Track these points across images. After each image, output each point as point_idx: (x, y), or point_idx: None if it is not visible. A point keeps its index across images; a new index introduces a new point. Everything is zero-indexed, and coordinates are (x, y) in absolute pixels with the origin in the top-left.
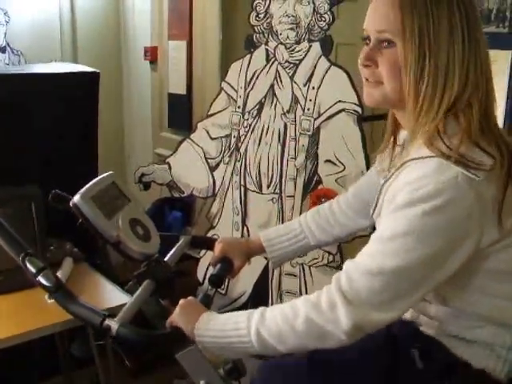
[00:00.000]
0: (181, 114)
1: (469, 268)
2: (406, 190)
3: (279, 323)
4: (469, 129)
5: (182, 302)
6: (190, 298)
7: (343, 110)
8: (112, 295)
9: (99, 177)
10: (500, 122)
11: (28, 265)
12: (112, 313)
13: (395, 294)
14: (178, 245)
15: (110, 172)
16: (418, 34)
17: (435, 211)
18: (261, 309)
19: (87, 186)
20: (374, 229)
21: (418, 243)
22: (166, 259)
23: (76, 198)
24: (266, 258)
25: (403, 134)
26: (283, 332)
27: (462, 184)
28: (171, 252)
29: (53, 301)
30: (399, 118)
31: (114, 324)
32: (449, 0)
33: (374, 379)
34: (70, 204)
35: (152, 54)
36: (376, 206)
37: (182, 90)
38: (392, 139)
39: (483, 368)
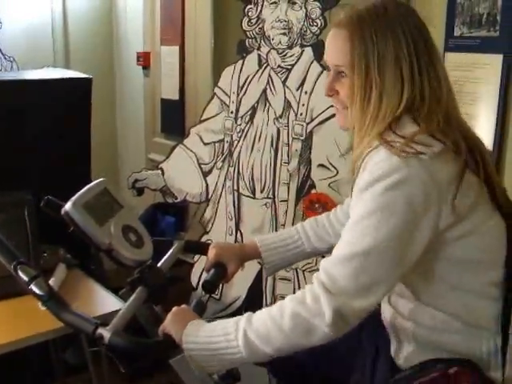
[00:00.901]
0: (174, 120)
1: (431, 256)
2: (364, 175)
3: (266, 324)
4: (426, 131)
5: (174, 309)
6: (182, 305)
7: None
8: (105, 301)
9: (91, 183)
10: (492, 121)
11: (20, 273)
12: (105, 319)
13: (371, 277)
14: (171, 250)
15: (102, 178)
16: (363, 67)
17: (392, 187)
18: (248, 313)
19: (79, 193)
20: None
21: (381, 221)
22: (159, 265)
23: (67, 206)
24: (259, 263)
25: None
26: (270, 332)
27: (413, 163)
28: (165, 257)
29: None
30: None
31: (106, 332)
32: (394, 36)
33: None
34: (62, 212)
35: (145, 60)
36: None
37: (175, 96)
38: None
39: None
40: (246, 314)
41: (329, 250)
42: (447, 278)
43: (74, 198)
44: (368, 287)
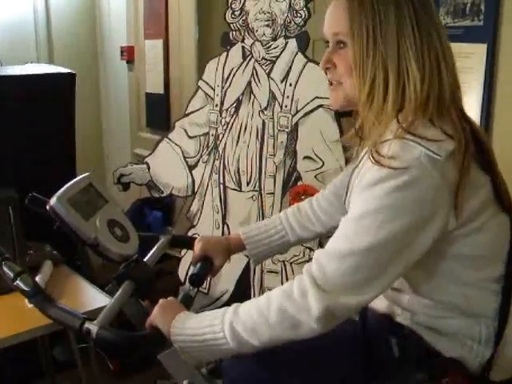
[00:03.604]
0: (159, 114)
1: (436, 252)
2: (373, 169)
3: (253, 315)
4: (438, 125)
5: (161, 301)
6: (169, 298)
7: (321, 105)
8: (92, 297)
9: (76, 178)
10: (477, 112)
11: (5, 269)
12: (92, 315)
13: (366, 276)
14: (157, 245)
15: (87, 173)
16: (365, 35)
17: (402, 188)
18: (235, 304)
19: (64, 188)
20: None
21: (386, 220)
22: (145, 259)
23: (52, 201)
24: (247, 256)
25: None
26: (257, 324)
27: (425, 163)
28: (151, 252)
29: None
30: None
31: (93, 327)
32: (396, 2)
33: (348, 366)
34: (47, 207)
35: (128, 54)
36: (347, 193)
37: (160, 89)
38: (356, 132)
39: (456, 359)
40: (233, 306)
41: (313, 238)
42: (449, 272)
43: (58, 193)
44: (363, 285)
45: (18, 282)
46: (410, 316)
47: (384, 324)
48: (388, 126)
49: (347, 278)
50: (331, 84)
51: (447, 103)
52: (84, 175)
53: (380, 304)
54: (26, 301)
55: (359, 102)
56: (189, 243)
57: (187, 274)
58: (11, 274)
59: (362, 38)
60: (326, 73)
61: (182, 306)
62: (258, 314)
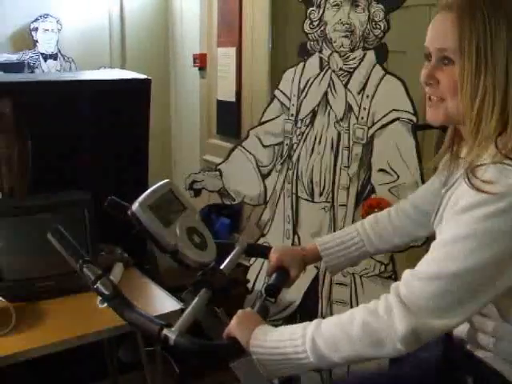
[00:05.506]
0: (229, 121)
1: None
2: (468, 194)
3: (334, 330)
4: None
5: (239, 312)
6: (247, 309)
7: (398, 118)
8: (162, 301)
9: (156, 184)
10: None
11: (86, 271)
12: (163, 319)
13: (454, 301)
14: (233, 253)
15: (167, 180)
16: (475, 52)
17: (497, 215)
18: (318, 319)
19: (145, 193)
20: (433, 238)
21: (478, 247)
22: (221, 267)
23: (134, 206)
24: (316, 267)
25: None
26: (338, 339)
27: None
28: (227, 260)
29: (104, 306)
30: (463, 133)
31: (171, 334)
32: (508, 18)
33: None
34: (128, 212)
35: (201, 61)
36: (437, 214)
37: (231, 97)
38: (451, 151)
39: None
40: (316, 320)
41: (391, 250)
42: None
43: (140, 199)
44: (448, 310)
45: (98, 284)
46: (494, 343)
47: (462, 360)
48: (487, 149)
49: (433, 300)
50: (430, 99)
51: None
52: (164, 181)
53: (462, 331)
54: (98, 302)
55: (465, 121)
56: (263, 253)
57: (255, 282)
58: (92, 277)
59: (471, 57)
60: (424, 86)
61: (259, 317)
62: (340, 328)
